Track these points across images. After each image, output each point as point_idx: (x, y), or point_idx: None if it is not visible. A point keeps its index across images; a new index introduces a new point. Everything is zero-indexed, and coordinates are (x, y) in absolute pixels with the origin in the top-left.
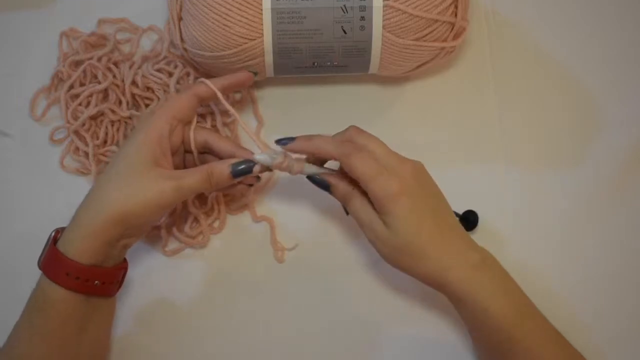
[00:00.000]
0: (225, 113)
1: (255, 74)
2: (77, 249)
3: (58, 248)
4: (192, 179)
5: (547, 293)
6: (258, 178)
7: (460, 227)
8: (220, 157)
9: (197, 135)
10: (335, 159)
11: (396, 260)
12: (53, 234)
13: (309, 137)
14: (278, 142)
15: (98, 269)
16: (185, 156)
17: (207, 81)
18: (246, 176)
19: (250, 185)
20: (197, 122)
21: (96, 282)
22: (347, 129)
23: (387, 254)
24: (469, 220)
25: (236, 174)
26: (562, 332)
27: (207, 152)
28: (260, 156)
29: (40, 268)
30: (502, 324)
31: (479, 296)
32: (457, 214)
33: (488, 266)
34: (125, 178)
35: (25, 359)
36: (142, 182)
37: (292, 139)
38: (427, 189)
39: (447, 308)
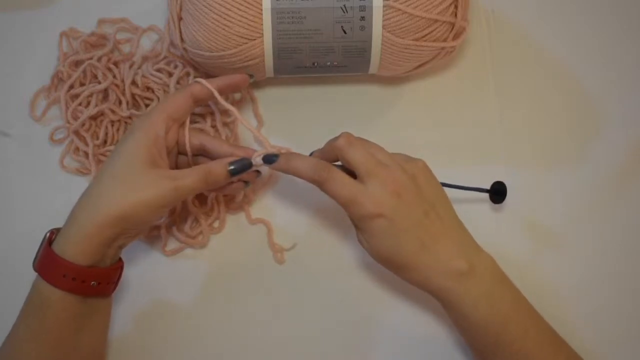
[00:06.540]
0: (225, 112)
1: (252, 76)
2: (74, 250)
3: (54, 249)
4: (190, 178)
5: (546, 293)
6: (258, 173)
7: (453, 232)
8: (216, 158)
9: (193, 138)
10: (311, 183)
11: (382, 265)
12: (48, 234)
13: (289, 158)
14: (264, 159)
15: (95, 270)
16: (178, 158)
17: (204, 81)
18: (244, 173)
19: (246, 182)
20: (196, 122)
21: (93, 282)
22: (338, 137)
23: (374, 259)
24: (497, 192)
25: (234, 172)
26: (561, 332)
27: (201, 155)
28: (258, 159)
29: (35, 270)
30: (486, 331)
31: (461, 304)
32: (482, 189)
33: (475, 274)
34: (123, 178)
35: None
36: (141, 182)
37: (276, 156)
38: (413, 201)
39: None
